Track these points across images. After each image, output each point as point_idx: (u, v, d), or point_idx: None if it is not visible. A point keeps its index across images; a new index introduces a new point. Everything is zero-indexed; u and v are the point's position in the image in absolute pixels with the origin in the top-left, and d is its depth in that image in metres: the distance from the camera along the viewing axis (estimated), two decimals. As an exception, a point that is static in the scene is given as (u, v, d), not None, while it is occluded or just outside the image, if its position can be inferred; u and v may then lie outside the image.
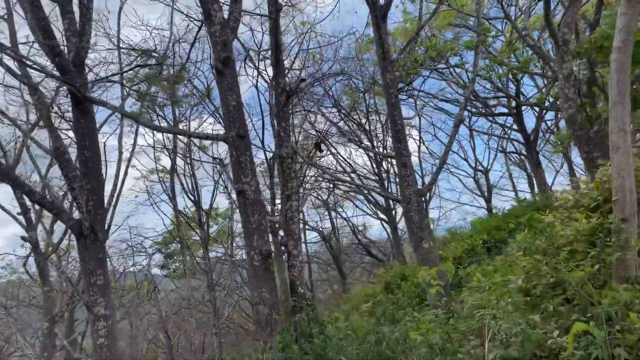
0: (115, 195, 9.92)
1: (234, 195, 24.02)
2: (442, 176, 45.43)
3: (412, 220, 11.61)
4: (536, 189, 26.98)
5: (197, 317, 26.16)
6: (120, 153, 10.65)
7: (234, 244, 26.43)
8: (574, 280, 4.57)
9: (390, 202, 25.59)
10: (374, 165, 25.31)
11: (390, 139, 26.30)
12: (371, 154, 24.73)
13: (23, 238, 13.51)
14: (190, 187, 22.02)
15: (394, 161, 28.56)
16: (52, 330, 13.11)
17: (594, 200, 6.50)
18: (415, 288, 14.87)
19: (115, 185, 12.13)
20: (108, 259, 13.33)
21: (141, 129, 21.52)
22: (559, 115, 24.26)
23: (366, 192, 25.58)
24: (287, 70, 8.01)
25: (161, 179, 21.96)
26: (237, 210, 23.64)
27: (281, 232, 8.27)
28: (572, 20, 9.15)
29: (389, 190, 25.38)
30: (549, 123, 24.42)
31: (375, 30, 11.60)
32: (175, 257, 25.08)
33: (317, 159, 22.04)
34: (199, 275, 25.62)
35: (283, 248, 7.68)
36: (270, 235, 7.37)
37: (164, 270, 26.23)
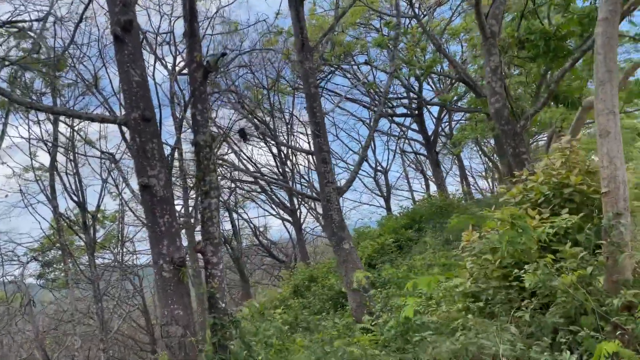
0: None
1: (126, 195, 21.63)
2: (343, 176, 45.11)
3: (333, 220, 10.76)
4: (435, 188, 27.69)
5: (82, 332, 23.27)
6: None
7: (124, 249, 23.95)
8: (562, 285, 3.91)
9: (295, 202, 24.73)
10: (278, 164, 24.30)
11: (295, 137, 25.47)
12: (275, 151, 23.68)
13: None
14: (73, 186, 19.36)
15: (299, 159, 27.78)
16: None
17: (542, 195, 6.04)
18: (328, 291, 14.11)
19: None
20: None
21: (13, 119, 18.51)
22: (453, 116, 25.05)
23: (271, 190, 24.46)
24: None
25: (38, 178, 19.06)
26: (129, 212, 21.33)
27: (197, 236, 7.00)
28: (500, 12, 8.85)
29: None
30: (449, 124, 25.10)
31: (294, 14, 10.59)
32: (54, 266, 22.01)
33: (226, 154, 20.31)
34: (83, 285, 22.73)
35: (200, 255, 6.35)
36: (181, 239, 6.00)
37: (40, 280, 22.95)
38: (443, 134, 24.07)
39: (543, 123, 12.26)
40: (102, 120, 6.23)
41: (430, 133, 22.10)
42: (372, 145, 26.80)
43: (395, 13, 18.30)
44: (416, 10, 17.19)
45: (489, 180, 34.20)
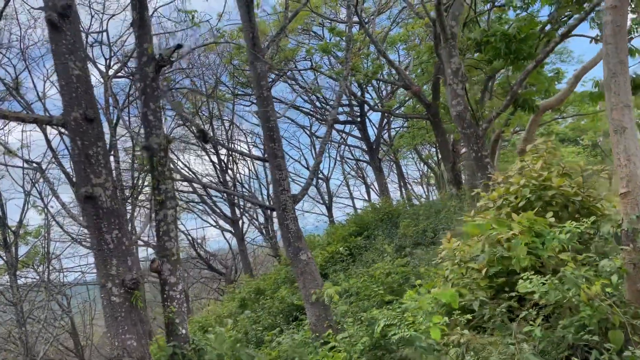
0: None
1: (55, 206, 19.68)
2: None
3: (289, 230, 10.08)
4: (376, 195, 27.65)
5: (1, 358, 20.93)
6: None
7: (51, 267, 21.86)
8: (584, 297, 3.51)
9: (237, 212, 23.74)
10: (219, 173, 23.24)
11: (235, 145, 24.50)
12: (216, 160, 22.62)
13: None
14: (-10, 200, 17.36)
15: (241, 168, 26.78)
16: None
17: (525, 199, 5.74)
18: (279, 304, 13.35)
19: None
20: None
21: None
22: (392, 124, 25.14)
23: (211, 200, 23.34)
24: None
25: (-51, 191, 16.90)
26: (56, 225, 19.40)
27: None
28: (460, 13, 8.63)
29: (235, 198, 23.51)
30: (388, 131, 25.14)
31: (244, 12, 9.88)
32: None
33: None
34: (3, 307, 20.50)
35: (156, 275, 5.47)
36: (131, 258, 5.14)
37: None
38: (383, 141, 24.08)
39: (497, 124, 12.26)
40: (35, 120, 5.23)
41: (372, 140, 21.98)
42: (313, 153, 26.40)
43: (342, 18, 18.02)
44: (361, 17, 16.97)
45: (424, 186, 34.81)
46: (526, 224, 4.40)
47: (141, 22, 5.61)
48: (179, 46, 5.58)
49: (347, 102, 22.13)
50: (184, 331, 5.27)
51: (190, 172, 23.83)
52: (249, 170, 26.72)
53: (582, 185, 5.61)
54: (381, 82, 21.46)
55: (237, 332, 12.81)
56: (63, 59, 5.19)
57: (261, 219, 26.79)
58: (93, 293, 25.74)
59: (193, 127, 22.02)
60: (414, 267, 10.70)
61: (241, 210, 24.66)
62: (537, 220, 4.47)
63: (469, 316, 5.16)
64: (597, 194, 5.71)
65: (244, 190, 24.33)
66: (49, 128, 15.31)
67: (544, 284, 3.73)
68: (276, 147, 10.13)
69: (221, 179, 22.57)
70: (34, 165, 13.63)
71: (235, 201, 23.98)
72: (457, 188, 15.16)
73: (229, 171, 23.03)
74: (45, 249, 20.38)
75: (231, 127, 23.55)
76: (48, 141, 15.85)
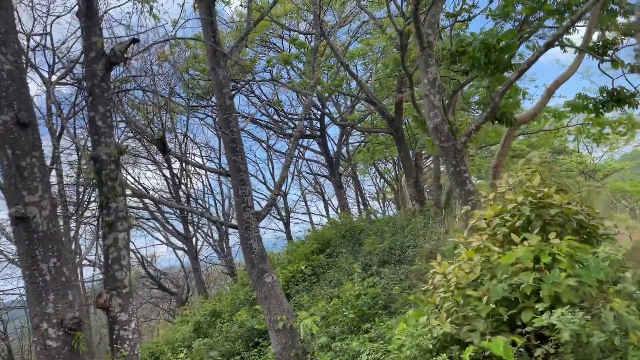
0: None
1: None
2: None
3: (252, 250, 9.21)
4: (333, 211, 27.11)
5: None
6: None
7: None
8: (634, 340, 2.91)
9: (191, 229, 22.46)
10: (171, 188, 21.95)
11: (189, 159, 23.27)
12: (167, 174, 21.34)
13: None
14: None
15: (195, 182, 25.44)
16: None
17: (524, 217, 5.20)
18: (238, 328, 12.33)
19: None
20: None
21: None
22: (350, 135, 24.69)
23: (162, 216, 21.97)
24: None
25: None
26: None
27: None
28: (436, 21, 8.18)
29: (188, 214, 22.26)
30: (346, 146, 24.67)
31: (205, 13, 9.06)
32: None
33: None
34: None
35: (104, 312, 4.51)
36: (72, 293, 4.19)
37: None
38: (342, 156, 23.58)
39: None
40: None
41: (332, 154, 21.43)
42: (270, 168, 25.59)
43: (303, 30, 17.44)
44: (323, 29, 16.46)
45: (380, 201, 34.59)
46: (565, 251, 3.81)
47: (89, 12, 4.72)
48: (135, 40, 4.72)
49: (307, 116, 21.55)
50: (138, 381, 4.36)
51: (140, 187, 22.43)
52: (203, 185, 25.56)
53: (583, 203, 5.14)
54: (340, 96, 21.01)
55: (193, 360, 11.72)
56: (-10, 49, 4.24)
57: (215, 236, 25.64)
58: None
59: (144, 139, 20.76)
60: (383, 288, 10.06)
61: (195, 227, 23.43)
62: (580, 247, 3.89)
63: (471, 353, 4.52)
64: (596, 212, 5.25)
65: (198, 205, 23.14)
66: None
67: (558, 318, 3.14)
68: (239, 159, 9.29)
69: (174, 194, 21.32)
70: None
71: (189, 218, 22.77)
72: (421, 204, 14.74)
73: (182, 186, 21.81)
74: None
75: (185, 139, 22.41)
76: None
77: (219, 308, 15.49)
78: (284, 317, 8.59)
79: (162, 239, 25.48)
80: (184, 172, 21.94)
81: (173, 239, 24.63)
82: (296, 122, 20.92)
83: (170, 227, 22.44)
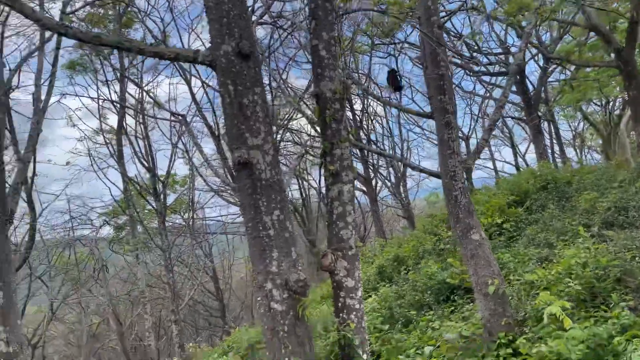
0: (22, 163, 5.74)
1: (197, 159, 19.72)
2: (417, 142, 41.61)
3: (458, 203, 8.08)
4: (527, 159, 24.27)
5: (154, 298, 22.17)
6: (38, 97, 6.40)
7: (195, 215, 22.34)
8: None
9: (370, 171, 22.10)
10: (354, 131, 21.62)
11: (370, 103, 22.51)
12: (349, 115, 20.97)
13: None
14: (143, 150, 17.61)
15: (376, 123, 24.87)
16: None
17: None
18: (428, 280, 11.47)
19: (33, 145, 7.86)
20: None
21: (81, 80, 16.80)
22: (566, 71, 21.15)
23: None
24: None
25: (108, 141, 17.41)
26: (200, 177, 19.32)
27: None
28: None
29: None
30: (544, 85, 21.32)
31: None
32: (125, 232, 20.68)
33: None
34: (153, 249, 21.31)
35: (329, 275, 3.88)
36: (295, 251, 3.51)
37: (112, 245, 21.78)
38: (543, 96, 20.41)
39: None
40: (176, 57, 3.79)
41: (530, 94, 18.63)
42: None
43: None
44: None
45: (577, 148, 30.05)
46: None
47: None
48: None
49: (501, 49, 18.94)
50: (365, 357, 3.67)
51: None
52: (382, 127, 24.75)
53: None
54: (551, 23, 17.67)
55: (381, 307, 11.35)
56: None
57: (393, 179, 25.00)
58: (232, 242, 26.29)
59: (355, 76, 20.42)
60: (615, 256, 8.10)
61: (374, 169, 22.99)
62: None
63: None
64: None
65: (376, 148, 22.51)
66: (193, 80, 14.70)
67: None
68: (446, 99, 8.00)
69: (354, 137, 20.94)
70: (180, 117, 13.03)
71: (370, 159, 22.34)
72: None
73: (363, 127, 21.30)
74: (190, 200, 20.73)
75: (368, 82, 21.59)
76: (192, 94, 15.34)
77: (402, 254, 14.88)
78: (496, 282, 7.40)
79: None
80: (366, 115, 21.33)
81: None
82: (487, 59, 18.51)
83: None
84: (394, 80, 5.38)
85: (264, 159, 3.59)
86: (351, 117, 21.83)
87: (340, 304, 3.80)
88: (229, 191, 19.66)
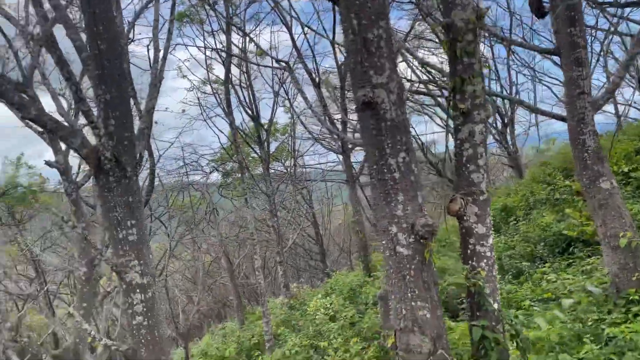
0: (146, 110, 6.08)
1: (299, 104, 19.89)
2: (528, 86, 39.31)
3: (586, 147, 7.34)
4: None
5: (260, 240, 23.40)
6: (156, 47, 6.65)
7: (297, 163, 22.88)
8: None
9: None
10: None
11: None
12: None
13: (47, 163, 10.06)
14: (247, 99, 18.12)
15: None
16: (91, 278, 10.12)
17: None
18: (542, 231, 10.72)
19: (154, 95, 8.29)
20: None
21: (189, 31, 17.41)
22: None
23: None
24: None
25: (215, 91, 18.10)
26: (302, 124, 19.58)
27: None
28: None
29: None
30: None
31: None
32: (232, 177, 21.79)
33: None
34: (258, 195, 22.27)
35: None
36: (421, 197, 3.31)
37: (221, 189, 23.13)
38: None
39: None
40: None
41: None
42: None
43: None
44: None
45: None
46: None
47: None
48: None
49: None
50: (495, 306, 3.48)
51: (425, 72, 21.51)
52: (489, 70, 22.99)
53: None
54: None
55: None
56: None
57: (499, 125, 23.45)
58: (331, 189, 26.74)
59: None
60: None
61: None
62: None
63: None
64: None
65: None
66: (294, 28, 14.57)
67: None
68: (577, 32, 7.13)
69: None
70: (283, 64, 13.06)
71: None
72: None
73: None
74: (292, 147, 21.19)
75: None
76: (293, 41, 15.30)
77: (510, 204, 14.12)
78: (628, 234, 6.71)
79: (443, 125, 24.69)
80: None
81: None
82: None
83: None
84: (539, 4, 4.76)
85: (388, 97, 3.39)
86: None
87: (469, 251, 3.61)
88: (327, 139, 19.78)
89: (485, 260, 3.56)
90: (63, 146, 10.45)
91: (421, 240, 3.34)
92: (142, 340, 4.85)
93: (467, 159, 3.61)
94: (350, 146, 15.58)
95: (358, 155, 19.33)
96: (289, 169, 22.20)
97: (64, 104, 10.01)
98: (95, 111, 5.08)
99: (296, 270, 28.77)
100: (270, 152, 19.98)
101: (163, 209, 19.13)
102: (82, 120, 9.90)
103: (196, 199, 21.90)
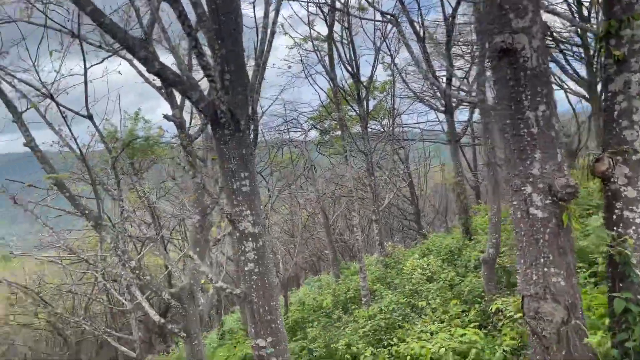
0: (261, 65, 6.17)
1: (403, 57, 19.24)
2: None
3: None
4: None
5: (357, 199, 23.55)
6: (267, 2, 6.64)
7: (395, 122, 22.37)
8: None
9: (598, 72, 18.78)
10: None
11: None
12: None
13: (165, 117, 10.61)
14: (347, 56, 17.85)
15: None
16: (204, 226, 10.81)
17: None
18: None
19: (262, 51, 8.41)
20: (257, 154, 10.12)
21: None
22: None
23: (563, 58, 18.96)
24: None
25: (316, 48, 18.03)
26: (404, 81, 19.01)
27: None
28: None
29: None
30: None
31: None
32: (330, 135, 21.90)
33: None
34: (356, 153, 22.27)
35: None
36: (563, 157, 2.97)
37: (319, 147, 23.41)
38: None
39: None
40: None
41: None
42: None
43: None
44: None
45: None
46: None
47: None
48: None
49: None
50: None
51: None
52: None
53: None
54: None
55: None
56: None
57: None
58: (428, 150, 26.00)
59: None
60: None
61: (602, 69, 19.49)
62: None
63: None
64: None
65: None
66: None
67: None
68: None
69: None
70: (389, 17, 12.57)
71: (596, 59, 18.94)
72: None
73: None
74: (392, 105, 20.71)
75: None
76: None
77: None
78: None
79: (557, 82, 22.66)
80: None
81: (571, 84, 21.53)
82: None
83: (571, 71, 19.33)
84: None
85: (530, 44, 3.05)
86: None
87: (615, 217, 3.25)
88: (427, 98, 19.04)
89: (633, 228, 3.18)
90: (179, 100, 11.07)
91: (560, 203, 3.05)
92: (253, 286, 5.10)
93: (620, 113, 3.19)
94: (454, 104, 14.86)
95: (460, 114, 18.44)
96: (386, 128, 21.80)
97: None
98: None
99: (390, 229, 28.74)
100: (369, 111, 19.70)
101: (264, 164, 19.83)
102: (198, 75, 10.31)
103: (295, 155, 22.39)
